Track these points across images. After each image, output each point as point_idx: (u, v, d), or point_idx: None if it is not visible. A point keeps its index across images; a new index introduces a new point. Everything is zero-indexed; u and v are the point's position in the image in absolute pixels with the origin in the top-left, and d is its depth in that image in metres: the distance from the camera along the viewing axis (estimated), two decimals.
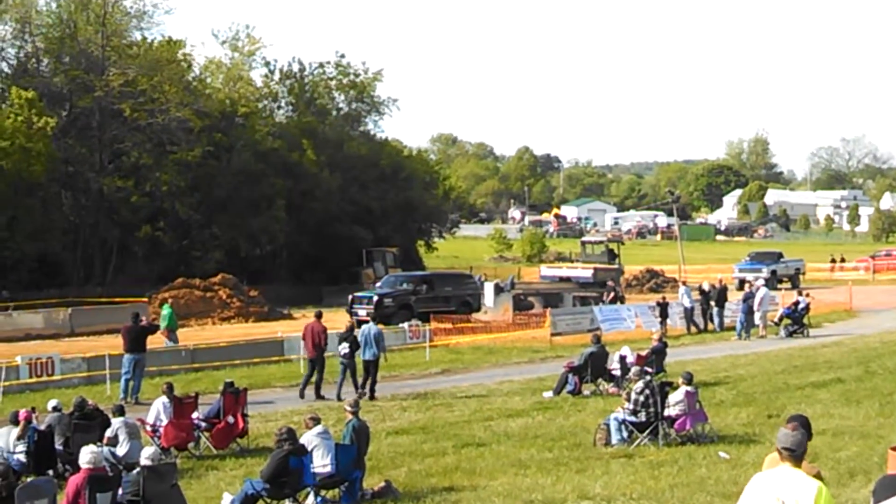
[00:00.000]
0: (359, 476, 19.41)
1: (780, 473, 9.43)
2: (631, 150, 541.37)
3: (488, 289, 57.97)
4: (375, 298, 54.59)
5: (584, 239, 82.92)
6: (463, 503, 18.75)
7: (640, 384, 24.14)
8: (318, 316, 35.24)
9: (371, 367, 32.76)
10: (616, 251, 71.05)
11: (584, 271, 66.55)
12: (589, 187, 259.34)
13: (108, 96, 72.84)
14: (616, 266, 68.23)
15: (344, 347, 32.96)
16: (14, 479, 18.03)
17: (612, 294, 58.51)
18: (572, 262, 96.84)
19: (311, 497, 19.00)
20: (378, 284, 59.31)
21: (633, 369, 26.05)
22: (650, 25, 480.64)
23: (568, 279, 66.27)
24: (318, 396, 32.71)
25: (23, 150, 66.63)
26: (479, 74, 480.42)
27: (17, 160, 66.43)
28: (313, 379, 33.19)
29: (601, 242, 77.85)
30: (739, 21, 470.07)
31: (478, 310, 56.97)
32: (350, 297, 56.42)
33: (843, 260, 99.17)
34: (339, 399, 31.35)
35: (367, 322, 35.54)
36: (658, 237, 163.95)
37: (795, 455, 9.39)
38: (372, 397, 32.20)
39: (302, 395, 32.78)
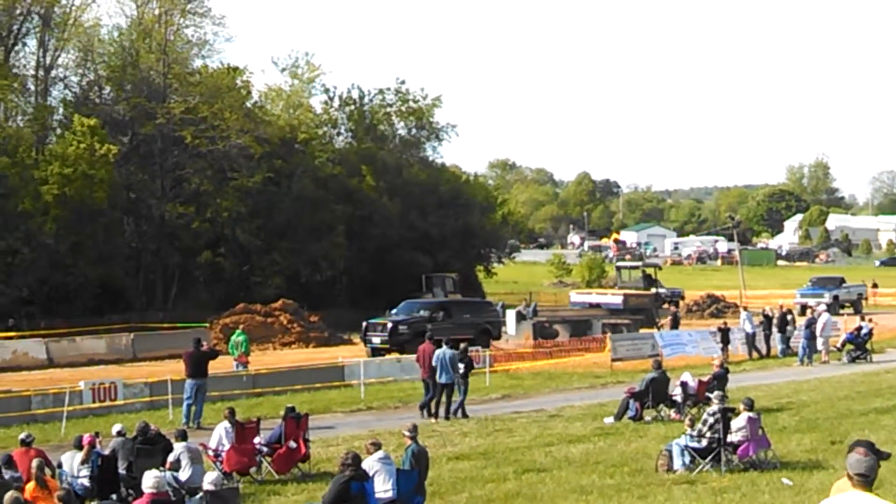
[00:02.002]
0: (420, 502, 19.39)
1: (853, 499, 9.32)
2: (691, 175, 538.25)
3: (510, 316, 57.24)
4: (390, 325, 52.62)
5: (619, 264, 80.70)
6: None
7: (714, 407, 23.96)
8: (430, 338, 35.71)
9: (447, 390, 33.36)
10: (654, 276, 69.89)
11: (614, 297, 64.29)
12: (648, 212, 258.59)
13: (170, 123, 73.45)
14: (651, 292, 66.65)
15: (460, 367, 34.06)
16: (77, 503, 18.17)
17: (671, 318, 58.03)
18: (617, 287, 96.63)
19: None
20: (394, 311, 56.34)
21: (716, 392, 25.82)
22: (710, 52, 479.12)
23: (598, 305, 63.78)
24: (430, 414, 33.57)
25: (85, 177, 67.32)
26: (538, 100, 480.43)
27: (80, 187, 67.12)
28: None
29: (637, 267, 75.91)
30: (800, 47, 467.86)
31: (498, 338, 55.55)
32: (364, 323, 54.73)
33: (874, 286, 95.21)
34: (464, 416, 33.45)
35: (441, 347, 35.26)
36: (718, 262, 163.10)
37: (869, 481, 9.28)
38: (447, 417, 32.97)
39: (435, 415, 33.60)
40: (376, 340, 52.16)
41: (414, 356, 37.02)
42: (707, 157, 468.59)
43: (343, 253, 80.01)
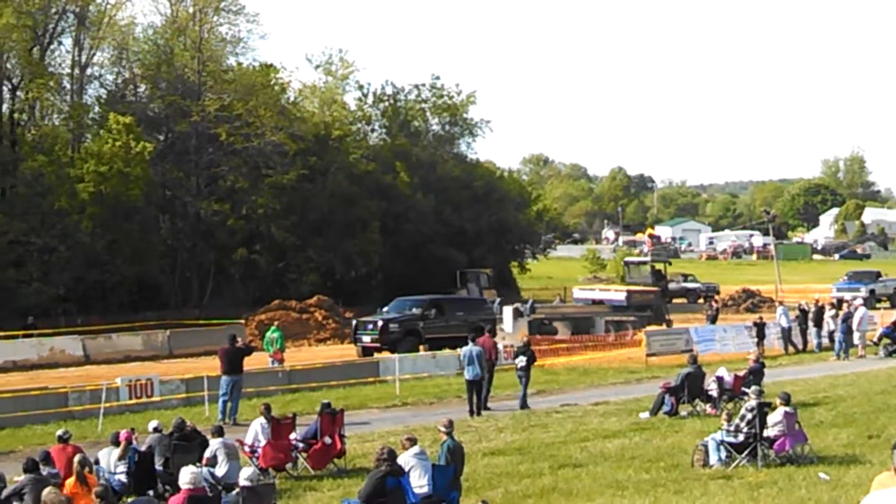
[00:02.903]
0: (456, 497, 19.39)
1: None
2: (726, 170, 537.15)
3: (507, 313, 55.58)
4: (380, 324, 50.88)
5: (627, 259, 77.84)
6: None
7: (752, 402, 23.87)
8: (489, 331, 36.95)
9: (476, 386, 33.51)
10: (664, 272, 68.61)
11: (617, 294, 63.06)
12: (683, 207, 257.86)
13: (205, 121, 73.68)
14: (656, 288, 65.07)
15: (521, 360, 34.96)
16: (115, 499, 18.26)
17: (710, 313, 57.70)
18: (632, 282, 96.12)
19: None
20: (385, 309, 54.81)
21: (752, 388, 25.72)
22: (745, 46, 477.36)
23: (601, 302, 62.56)
24: (485, 408, 34.08)
25: (121, 175, 67.66)
26: (572, 95, 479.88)
27: (116, 185, 67.47)
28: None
29: (646, 263, 74.38)
30: (835, 40, 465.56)
31: (493, 335, 54.58)
32: (354, 322, 53.80)
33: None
34: (525, 408, 34.18)
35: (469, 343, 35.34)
36: (754, 257, 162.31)
37: None
38: (479, 413, 33.05)
39: (469, 412, 33.86)
40: (366, 339, 50.80)
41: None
42: (742, 151, 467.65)
43: (378, 249, 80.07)
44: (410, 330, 51.14)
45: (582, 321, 57.13)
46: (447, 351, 45.81)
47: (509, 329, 53.89)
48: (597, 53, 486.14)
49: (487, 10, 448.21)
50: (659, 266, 70.29)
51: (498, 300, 62.54)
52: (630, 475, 22.51)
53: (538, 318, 56.25)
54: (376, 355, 46.86)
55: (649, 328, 52.17)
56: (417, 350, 47.26)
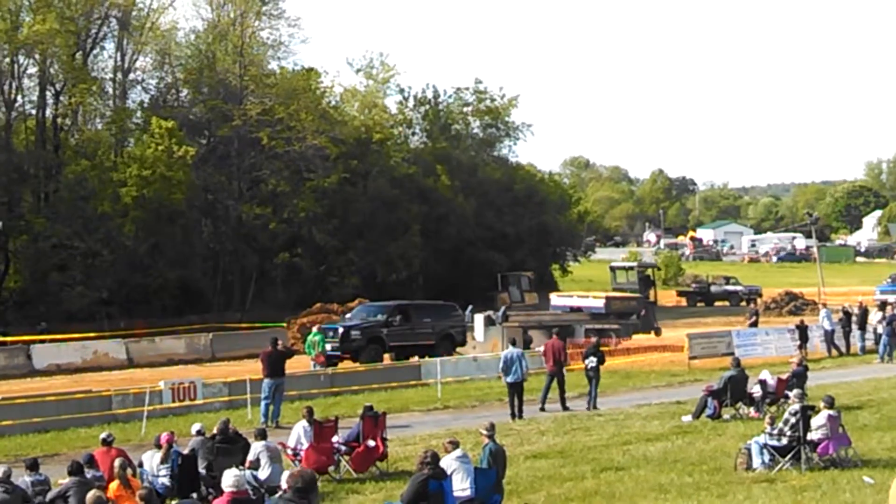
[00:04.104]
0: (498, 500, 19.36)
1: None
2: (768, 172, 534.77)
3: (478, 321, 53.69)
4: (341, 331, 47.92)
5: (613, 265, 70.79)
6: None
7: (795, 406, 23.74)
8: (557, 334, 36.82)
9: (517, 389, 33.44)
10: (652, 277, 65.26)
11: (595, 301, 59.05)
12: (725, 210, 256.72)
13: (246, 125, 73.99)
14: (639, 295, 61.17)
15: (591, 361, 35.21)
16: (158, 502, 18.36)
17: (753, 318, 57.32)
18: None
19: None
20: (348, 315, 52.60)
21: (795, 392, 25.57)
22: (786, 48, 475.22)
23: (579, 309, 58.77)
24: (564, 408, 34.59)
25: (164, 179, 68.07)
26: (613, 98, 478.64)
27: (159, 188, 67.88)
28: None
29: (632, 268, 68.77)
30: (877, 41, 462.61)
31: (462, 344, 52.04)
32: (315, 328, 49.57)
33: None
34: (594, 407, 34.55)
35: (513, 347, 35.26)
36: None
37: None
38: (520, 416, 32.91)
39: (542, 408, 34.45)
40: (328, 347, 47.13)
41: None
42: (785, 153, 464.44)
43: (419, 252, 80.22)
44: (373, 337, 48.70)
45: (560, 330, 54.63)
46: (489, 354, 45.69)
47: (480, 338, 52.52)
48: (638, 55, 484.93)
49: (529, 13, 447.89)
50: (648, 272, 66.47)
51: (469, 307, 59.26)
52: (673, 479, 22.43)
53: (512, 326, 53.26)
54: (418, 358, 46.66)
55: (690, 332, 51.83)
56: (381, 359, 45.96)
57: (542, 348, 35.64)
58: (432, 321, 51.55)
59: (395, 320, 49.90)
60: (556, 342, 35.90)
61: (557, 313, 59.27)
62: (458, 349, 51.08)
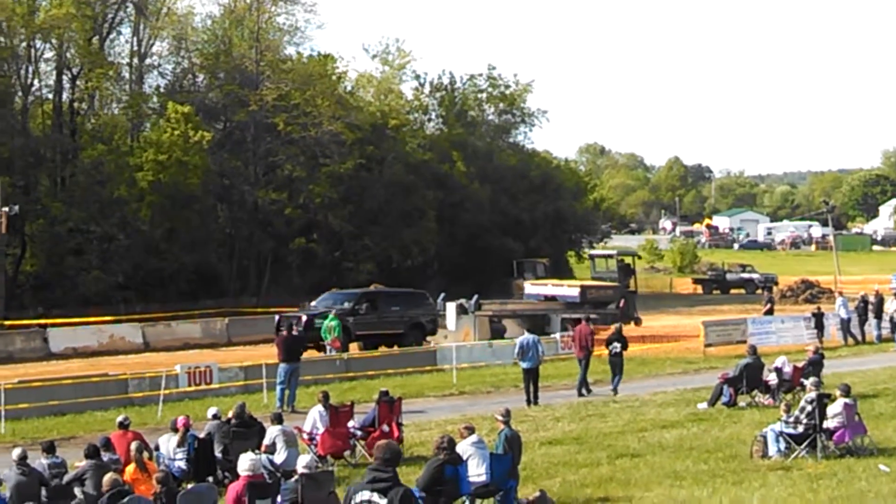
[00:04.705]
0: (513, 486, 19.37)
1: None
2: (784, 160, 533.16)
3: (450, 310, 51.98)
4: (304, 319, 45.72)
5: (592, 252, 69.66)
6: None
7: (811, 394, 23.71)
8: (586, 320, 37.37)
9: (532, 375, 33.51)
10: (632, 266, 63.33)
11: (570, 290, 57.58)
12: (741, 197, 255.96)
13: (262, 110, 73.99)
14: (615, 284, 59.58)
15: (615, 347, 35.48)
16: (175, 485, 18.41)
17: (768, 305, 57.14)
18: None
19: None
20: (313, 304, 50.75)
21: (811, 380, 25.51)
22: (802, 34, 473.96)
23: (553, 298, 57.57)
24: (587, 391, 35.31)
25: (180, 164, 68.17)
26: (628, 84, 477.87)
27: (175, 173, 67.97)
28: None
29: (612, 257, 66.02)
30: (893, 27, 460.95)
31: (433, 333, 50.60)
32: (277, 317, 48.80)
33: None
34: (615, 393, 34.85)
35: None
36: (812, 248, 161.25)
37: None
38: (536, 402, 33.02)
39: (580, 394, 35.07)
40: None
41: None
42: (801, 141, 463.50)
43: (434, 238, 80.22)
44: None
45: (535, 319, 53.45)
46: (504, 340, 45.62)
47: (452, 327, 51.18)
48: (653, 42, 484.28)
49: None
50: (627, 260, 64.29)
51: (442, 295, 56.78)
52: (688, 466, 22.43)
53: (488, 316, 52.89)
54: (433, 343, 46.66)
55: (706, 319, 51.68)
56: (347, 348, 44.01)
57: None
58: (401, 310, 50.18)
59: (362, 308, 48.39)
60: (584, 328, 36.19)
61: (532, 302, 58.32)
62: (429, 338, 49.97)
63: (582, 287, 57.28)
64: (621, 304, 56.47)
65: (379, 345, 46.39)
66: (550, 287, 59.76)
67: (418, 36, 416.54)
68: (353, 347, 46.27)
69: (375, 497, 11.57)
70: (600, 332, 40.12)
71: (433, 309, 52.42)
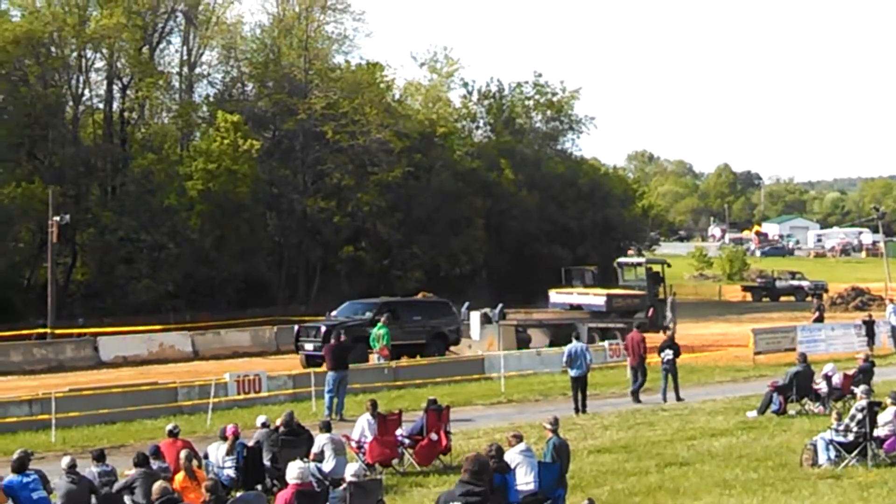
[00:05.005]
0: (561, 494, 19.33)
1: None
2: (834, 166, 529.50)
3: (474, 319, 50.62)
4: (323, 330, 45.72)
5: (620, 260, 65.24)
6: None
7: (862, 402, 23.55)
8: (639, 327, 37.24)
9: (580, 384, 33.50)
10: (662, 274, 60.52)
11: (596, 298, 55.05)
12: (791, 204, 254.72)
13: (311, 119, 74.32)
14: (641, 292, 56.93)
15: (668, 354, 35.37)
16: (224, 493, 18.46)
17: (818, 313, 56.72)
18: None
19: None
20: (334, 313, 50.41)
21: (862, 388, 25.34)
22: (851, 41, 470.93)
23: (579, 307, 55.27)
24: (636, 400, 35.08)
25: (229, 173, 68.50)
26: (677, 91, 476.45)
27: (224, 182, 68.30)
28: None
29: (640, 265, 62.64)
30: None
31: (456, 343, 49.67)
32: (296, 328, 49.01)
33: None
34: (664, 400, 34.91)
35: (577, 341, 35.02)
36: (863, 254, 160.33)
37: None
38: (584, 411, 32.94)
39: (636, 399, 35.15)
40: (309, 347, 46.07)
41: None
42: (851, 147, 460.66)
43: (482, 247, 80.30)
44: (358, 337, 44.65)
45: (561, 329, 50.72)
46: (553, 349, 45.43)
47: (476, 336, 49.96)
48: (702, 49, 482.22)
49: (591, 6, 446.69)
50: (656, 268, 61.41)
51: (466, 304, 55.07)
52: (738, 474, 22.32)
53: (513, 325, 51.21)
54: (481, 352, 46.46)
55: (756, 327, 51.41)
56: (367, 359, 42.89)
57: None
58: (423, 319, 49.10)
59: (382, 319, 45.12)
60: (637, 335, 36.14)
61: (557, 311, 56.11)
62: (452, 348, 49.27)
63: (608, 296, 55.14)
64: (650, 314, 54.36)
65: (401, 356, 45.01)
66: (576, 295, 57.53)
67: (465, 43, 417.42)
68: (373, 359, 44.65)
69: None
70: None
71: (456, 318, 51.28)
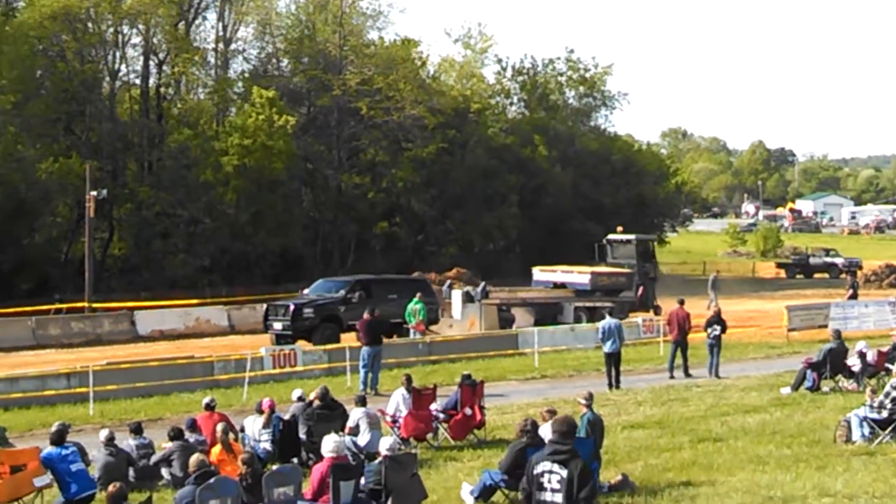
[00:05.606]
0: (596, 469, 19.36)
1: None
2: (868, 143, 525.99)
3: (455, 298, 49.30)
4: (292, 308, 44.69)
5: (609, 237, 60.93)
6: (701, 498, 18.52)
7: None
8: (681, 303, 36.93)
9: (614, 359, 33.56)
10: (652, 251, 59.29)
11: (580, 277, 53.28)
12: (825, 181, 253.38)
13: (346, 95, 74.43)
14: (626, 270, 55.21)
15: (715, 329, 35.50)
16: (260, 466, 18.64)
17: (852, 290, 56.57)
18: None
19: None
20: (306, 291, 49.05)
21: None
22: (886, 16, 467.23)
23: (563, 286, 53.57)
24: (687, 375, 35.26)
25: (264, 148, 68.70)
26: (711, 67, 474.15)
27: (260, 158, 68.53)
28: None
29: (630, 241, 59.22)
30: None
31: (435, 322, 47.21)
32: (265, 306, 48.06)
33: None
34: (715, 377, 34.88)
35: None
36: None
37: None
38: (617, 386, 33.04)
39: (672, 376, 35.25)
40: (278, 326, 44.94)
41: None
42: (886, 123, 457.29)
43: (516, 222, 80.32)
44: (328, 316, 44.79)
45: (547, 308, 50.43)
46: (585, 324, 45.47)
47: (457, 316, 48.47)
48: (736, 24, 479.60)
49: None
50: (647, 245, 59.59)
51: (447, 283, 54.94)
52: (771, 450, 22.31)
53: (496, 304, 49.55)
54: (515, 327, 46.50)
55: (789, 303, 51.26)
56: (338, 339, 41.99)
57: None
58: (399, 298, 45.47)
59: (355, 297, 45.45)
60: (681, 311, 36.12)
61: (542, 290, 54.69)
62: (432, 328, 46.54)
63: (592, 273, 53.48)
64: (640, 292, 53.73)
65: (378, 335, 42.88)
66: (560, 273, 55.54)
67: (499, 19, 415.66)
68: (350, 339, 42.41)
69: (556, 468, 12.21)
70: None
71: (435, 297, 49.65)
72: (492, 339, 43.23)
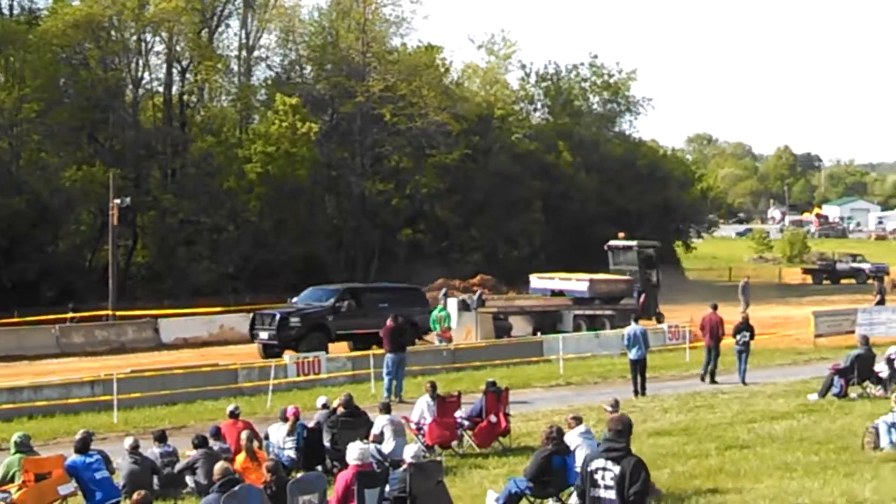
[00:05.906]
0: None
1: None
2: (895, 148, 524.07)
3: (451, 306, 47.21)
4: (278, 317, 43.72)
5: (611, 243, 59.77)
6: None
7: None
8: (714, 308, 36.72)
9: (639, 366, 33.45)
10: (653, 258, 57.97)
11: (578, 284, 52.28)
12: (851, 186, 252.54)
13: (369, 102, 74.50)
14: (629, 278, 54.53)
15: (744, 336, 35.33)
16: (284, 474, 18.57)
17: (880, 296, 56.27)
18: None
19: (574, 496, 18.97)
20: (295, 300, 48.03)
21: None
22: None
23: (561, 293, 52.75)
24: (713, 381, 35.28)
25: (288, 155, 68.83)
26: (736, 73, 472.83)
27: (283, 165, 68.66)
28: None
29: (631, 248, 58.24)
30: None
31: (427, 332, 44.99)
32: (252, 314, 47.23)
33: None
34: (743, 383, 34.66)
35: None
36: None
37: None
38: (643, 393, 32.92)
39: (703, 380, 35.48)
40: (264, 336, 43.96)
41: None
42: None
43: (540, 229, 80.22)
44: (316, 325, 44.12)
45: (545, 316, 49.97)
46: (610, 331, 45.30)
47: (453, 324, 46.15)
48: (760, 29, 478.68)
49: None
50: (648, 251, 58.53)
51: (444, 291, 53.68)
52: (798, 457, 22.18)
53: (493, 313, 48.92)
54: (539, 334, 46.38)
55: (816, 309, 51.04)
56: (325, 349, 40.88)
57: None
58: (391, 306, 42.38)
59: (344, 306, 44.97)
60: (714, 316, 35.95)
61: (540, 297, 53.88)
62: (425, 337, 45.44)
63: (591, 280, 52.39)
64: (641, 300, 52.63)
65: (370, 345, 41.79)
66: (558, 280, 54.51)
67: (522, 25, 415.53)
68: (342, 348, 43.75)
69: (610, 465, 12.33)
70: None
71: (427, 305, 47.76)
72: (516, 347, 43.18)
